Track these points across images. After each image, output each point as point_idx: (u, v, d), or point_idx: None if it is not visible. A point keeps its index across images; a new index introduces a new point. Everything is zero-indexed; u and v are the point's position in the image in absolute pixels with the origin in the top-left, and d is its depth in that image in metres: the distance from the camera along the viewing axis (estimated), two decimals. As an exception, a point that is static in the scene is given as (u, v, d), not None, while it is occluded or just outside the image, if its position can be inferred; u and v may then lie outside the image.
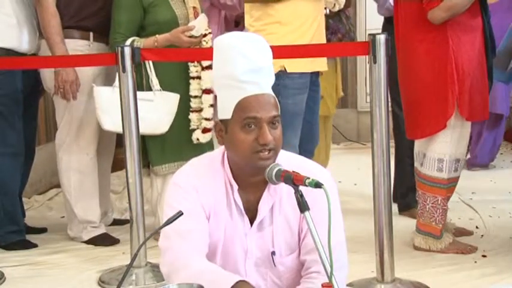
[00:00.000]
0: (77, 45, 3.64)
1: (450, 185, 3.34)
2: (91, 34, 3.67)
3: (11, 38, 3.55)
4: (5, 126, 3.60)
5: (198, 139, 3.58)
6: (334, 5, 3.53)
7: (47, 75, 3.64)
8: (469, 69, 3.20)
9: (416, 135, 3.37)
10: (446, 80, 3.19)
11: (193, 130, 3.59)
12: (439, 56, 3.19)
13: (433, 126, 3.25)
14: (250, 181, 1.84)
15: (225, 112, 1.84)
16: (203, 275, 1.76)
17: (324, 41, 3.40)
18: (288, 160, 1.93)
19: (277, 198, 1.89)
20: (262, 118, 1.80)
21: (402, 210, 3.98)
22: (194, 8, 3.65)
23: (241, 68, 1.80)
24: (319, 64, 3.34)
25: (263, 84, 1.82)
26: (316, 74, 3.39)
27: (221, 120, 1.86)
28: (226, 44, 1.85)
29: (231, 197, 1.90)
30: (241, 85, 1.81)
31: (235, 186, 1.89)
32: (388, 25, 3.99)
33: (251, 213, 1.90)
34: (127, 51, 3.10)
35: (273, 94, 1.85)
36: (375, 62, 2.86)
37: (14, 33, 3.57)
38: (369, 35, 2.93)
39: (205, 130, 3.59)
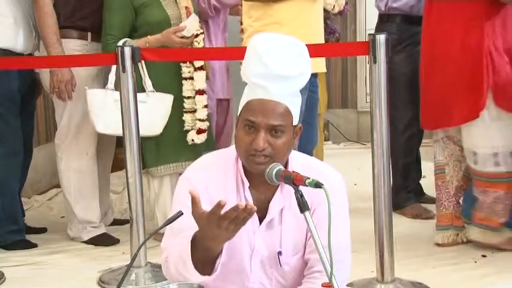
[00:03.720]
0: (75, 45, 3.63)
1: (510, 179, 3.28)
2: (89, 34, 3.67)
3: (8, 38, 3.54)
4: (3, 126, 3.60)
5: (193, 140, 3.58)
6: (334, 6, 3.53)
7: (46, 75, 3.64)
8: (506, 60, 3.18)
9: (442, 124, 3.34)
10: (481, 71, 3.16)
11: (188, 131, 3.58)
12: (474, 45, 3.17)
13: (465, 115, 3.22)
14: (261, 180, 1.84)
15: (239, 108, 1.87)
16: (178, 259, 1.78)
17: (322, 42, 3.40)
18: (298, 160, 1.94)
19: (289, 201, 1.89)
20: (260, 124, 1.80)
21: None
22: (186, 8, 3.62)
23: (253, 70, 1.81)
24: (319, 66, 3.34)
25: (274, 91, 1.80)
26: (314, 75, 3.39)
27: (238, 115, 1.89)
28: (252, 42, 1.85)
29: (241, 193, 1.90)
30: (252, 86, 1.83)
31: (247, 183, 1.90)
32: (383, 24, 3.98)
33: (261, 213, 1.91)
34: (127, 51, 3.10)
35: (286, 103, 1.82)
36: (374, 62, 2.86)
37: (11, 33, 3.56)
38: (369, 35, 2.93)
39: (199, 131, 3.58)
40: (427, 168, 5.17)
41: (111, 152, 4.06)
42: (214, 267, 1.75)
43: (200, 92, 3.56)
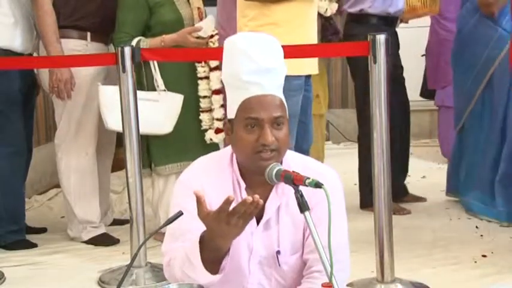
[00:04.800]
0: (75, 45, 3.63)
1: None
2: (88, 34, 3.67)
3: (9, 38, 3.54)
4: (6, 126, 3.59)
5: (211, 139, 3.60)
6: (326, 9, 3.52)
7: (45, 75, 3.63)
8: None
9: None
10: None
11: (206, 130, 3.61)
12: None
13: None
14: (258, 180, 1.84)
15: (231, 111, 1.86)
16: (184, 261, 1.78)
17: (315, 42, 3.39)
18: (295, 160, 1.94)
19: (284, 199, 1.89)
20: (264, 119, 1.81)
21: (367, 207, 3.98)
22: (198, 8, 3.67)
23: (244, 68, 1.81)
24: (312, 67, 3.34)
25: (267, 86, 1.82)
26: (308, 76, 3.39)
27: (229, 120, 1.88)
28: (232, 43, 1.86)
29: (238, 195, 1.89)
30: (244, 85, 1.82)
31: (243, 185, 1.90)
32: (359, 25, 3.98)
33: (258, 213, 1.90)
34: (127, 51, 3.10)
35: (279, 96, 1.85)
36: (374, 62, 2.86)
37: (12, 33, 3.55)
38: (369, 34, 2.93)
39: (218, 130, 3.60)
40: (427, 168, 5.20)
41: (111, 152, 4.05)
42: (221, 267, 1.76)
43: (216, 92, 3.58)
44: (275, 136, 1.81)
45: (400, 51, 4.25)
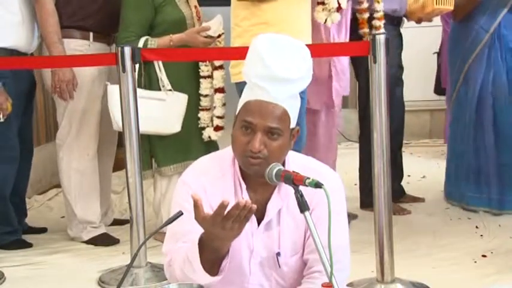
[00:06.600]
0: (77, 45, 3.63)
1: None
2: (91, 34, 3.66)
3: (15, 37, 3.51)
4: (5, 130, 3.57)
5: (209, 137, 3.61)
6: (326, 20, 3.49)
7: (47, 75, 3.63)
8: None
9: None
10: None
11: (203, 128, 3.61)
12: None
13: None
14: (258, 181, 1.84)
15: (238, 107, 1.87)
16: (184, 262, 1.78)
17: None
18: (296, 160, 1.94)
19: (286, 201, 1.89)
20: (257, 125, 1.80)
21: (367, 207, 4.00)
22: (196, 7, 3.68)
23: (255, 71, 1.80)
24: None
25: (274, 94, 1.80)
26: None
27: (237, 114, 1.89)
28: (255, 42, 1.84)
29: (239, 195, 1.90)
30: (252, 87, 1.83)
31: (244, 185, 1.90)
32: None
33: (259, 213, 1.90)
34: (127, 51, 3.10)
35: (285, 106, 1.82)
36: (374, 62, 2.87)
37: (18, 32, 3.53)
38: (369, 34, 2.93)
39: (217, 128, 3.61)
40: (427, 168, 5.19)
41: (112, 152, 4.05)
42: (220, 268, 1.76)
43: (219, 90, 3.59)
44: (267, 145, 1.80)
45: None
